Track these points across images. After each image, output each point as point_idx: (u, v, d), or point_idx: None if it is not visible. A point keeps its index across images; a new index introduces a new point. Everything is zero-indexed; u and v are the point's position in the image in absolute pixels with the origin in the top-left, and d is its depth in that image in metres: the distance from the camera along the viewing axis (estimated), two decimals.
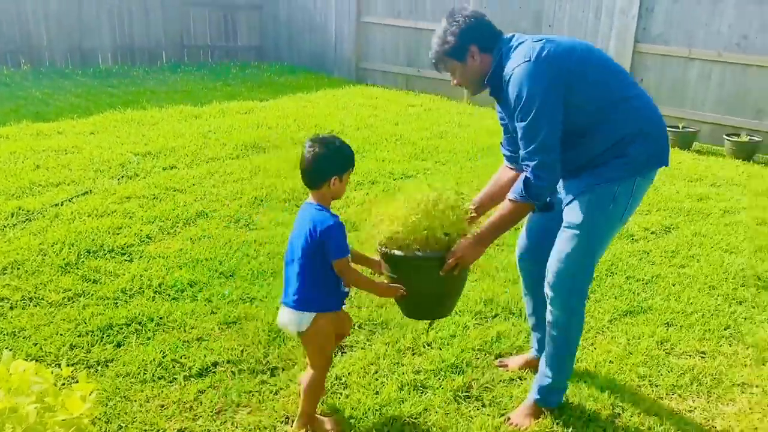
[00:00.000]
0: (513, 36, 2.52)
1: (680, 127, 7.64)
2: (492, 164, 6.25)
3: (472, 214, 2.62)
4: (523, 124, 2.36)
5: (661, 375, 2.98)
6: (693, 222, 5.02)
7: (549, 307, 2.55)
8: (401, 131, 7.41)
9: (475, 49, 2.49)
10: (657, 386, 2.91)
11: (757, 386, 2.92)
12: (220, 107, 7.96)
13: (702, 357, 3.17)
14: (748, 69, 7.23)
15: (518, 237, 2.88)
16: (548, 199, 2.52)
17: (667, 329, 3.39)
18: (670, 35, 7.67)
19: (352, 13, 10.47)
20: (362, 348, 3.13)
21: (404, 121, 8.02)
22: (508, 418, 2.63)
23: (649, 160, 2.45)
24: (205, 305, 3.40)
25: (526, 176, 2.38)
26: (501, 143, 2.81)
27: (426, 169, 6.11)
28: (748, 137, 7.19)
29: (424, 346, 3.15)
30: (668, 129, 7.66)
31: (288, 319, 2.39)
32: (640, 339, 3.27)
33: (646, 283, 3.92)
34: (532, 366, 2.90)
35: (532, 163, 2.36)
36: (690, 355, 3.17)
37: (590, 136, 2.43)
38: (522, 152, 2.40)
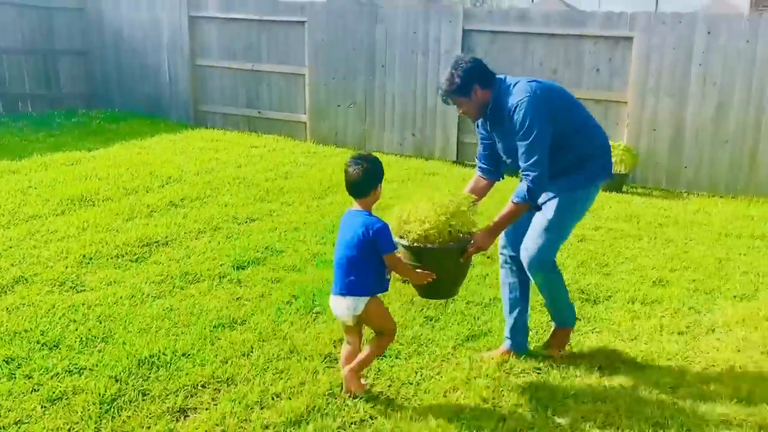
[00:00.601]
0: (505, 77, 3.20)
1: None
2: (339, 202, 6.34)
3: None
4: (525, 143, 3.05)
5: (503, 396, 3.12)
6: None
7: (532, 279, 3.36)
8: (245, 173, 7.27)
9: (477, 87, 3.13)
10: (500, 407, 3.03)
11: (599, 401, 3.12)
12: (42, 160, 7.33)
13: (538, 373, 3.36)
14: None
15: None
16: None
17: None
18: None
19: (185, 56, 10.21)
20: (206, 409, 2.96)
21: (248, 163, 7.90)
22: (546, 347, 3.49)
23: (600, 173, 3.29)
24: (25, 383, 3.05)
25: (527, 184, 3.07)
26: (477, 158, 3.48)
27: (272, 210, 6.02)
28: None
29: (272, 398, 3.04)
30: None
31: (346, 306, 2.95)
32: (482, 362, 3.41)
33: (485, 307, 4.11)
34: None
35: (532, 174, 3.06)
36: (528, 373, 3.35)
37: (562, 153, 3.14)
38: (523, 165, 3.09)
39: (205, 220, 5.62)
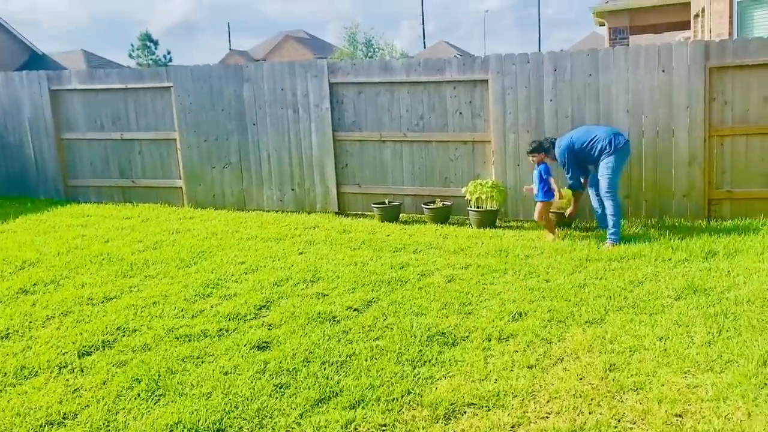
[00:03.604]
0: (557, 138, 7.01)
1: (387, 202, 8.31)
2: (207, 269, 6.13)
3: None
4: (564, 169, 6.95)
5: None
6: (393, 291, 5.36)
7: (606, 203, 6.67)
8: (110, 248, 6.93)
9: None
10: None
11: None
12: None
13: (383, 430, 3.27)
14: (431, 145, 8.18)
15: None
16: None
17: (355, 410, 3.46)
18: (362, 123, 8.40)
19: (50, 131, 9.79)
20: None
21: (116, 236, 7.55)
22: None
23: (619, 147, 6.64)
24: None
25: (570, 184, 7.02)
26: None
27: (132, 286, 5.73)
28: (442, 203, 8.06)
29: None
30: (376, 206, 8.16)
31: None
32: (327, 427, 3.28)
33: (341, 365, 4.01)
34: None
35: (571, 182, 7.01)
36: (374, 431, 3.25)
37: (591, 155, 6.75)
38: (568, 175, 6.97)
39: (57, 304, 5.26)
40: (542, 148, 6.97)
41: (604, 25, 18.04)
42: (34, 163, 10.02)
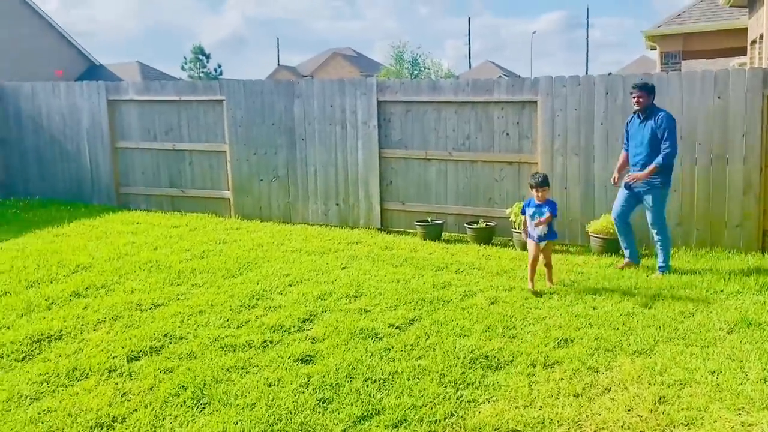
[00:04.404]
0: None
1: (429, 220, 8.30)
2: (252, 280, 6.22)
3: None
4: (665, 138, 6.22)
5: None
6: (435, 311, 5.34)
7: (655, 235, 6.42)
8: (159, 256, 7.10)
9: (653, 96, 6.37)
10: None
11: None
12: None
13: None
14: (476, 165, 8.16)
15: (612, 211, 6.69)
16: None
17: (397, 429, 3.45)
18: (408, 140, 8.45)
19: (106, 139, 10.12)
20: None
21: (164, 244, 7.73)
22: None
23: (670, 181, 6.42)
24: None
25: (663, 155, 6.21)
26: (625, 143, 6.68)
27: (180, 294, 5.85)
28: (485, 223, 8.01)
29: None
30: (418, 224, 8.16)
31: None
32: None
33: (384, 383, 4.00)
34: (629, 266, 6.61)
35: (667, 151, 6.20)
36: None
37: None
38: (665, 146, 6.19)
39: (107, 309, 5.41)
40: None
41: (655, 48, 17.76)
42: (89, 170, 10.36)
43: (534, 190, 6.00)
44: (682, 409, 3.59)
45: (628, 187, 6.48)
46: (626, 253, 6.68)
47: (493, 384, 3.98)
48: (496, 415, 3.56)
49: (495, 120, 7.99)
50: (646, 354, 4.38)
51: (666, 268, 6.39)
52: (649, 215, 6.44)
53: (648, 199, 6.38)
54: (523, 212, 6.19)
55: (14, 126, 10.76)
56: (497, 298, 5.68)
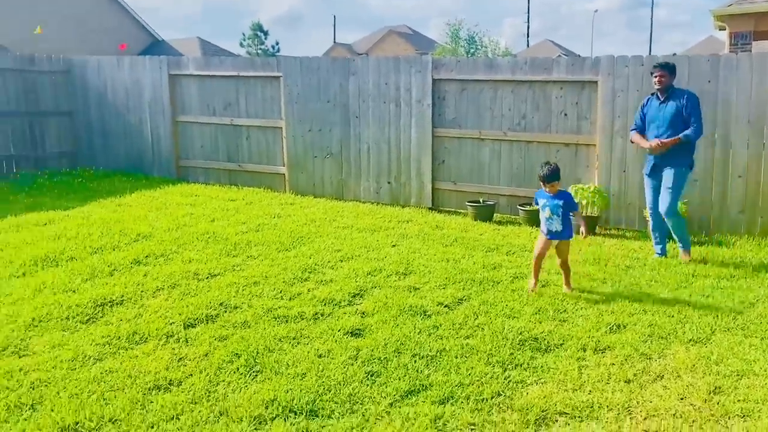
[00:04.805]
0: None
1: (481, 201, 8.24)
2: (305, 254, 6.33)
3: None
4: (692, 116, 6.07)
5: None
6: (484, 291, 5.33)
7: (668, 222, 6.13)
8: (216, 228, 7.29)
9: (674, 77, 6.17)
10: None
11: None
12: (15, 221, 7.41)
13: (472, 429, 3.26)
14: (531, 145, 8.03)
15: (647, 204, 6.43)
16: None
17: (444, 405, 3.48)
18: (462, 120, 8.37)
19: (167, 113, 10.40)
20: None
21: (221, 217, 7.93)
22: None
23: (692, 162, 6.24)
24: None
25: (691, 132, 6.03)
26: (636, 124, 6.50)
27: (235, 265, 6.01)
28: None
29: None
30: (470, 204, 8.12)
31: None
32: (416, 419, 3.32)
33: (431, 359, 4.03)
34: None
35: (695, 126, 6.05)
36: (460, 429, 3.26)
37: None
38: (693, 124, 6.05)
39: (166, 277, 5.60)
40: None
41: (724, 29, 16.96)
42: (150, 143, 10.68)
43: (542, 183, 5.30)
44: (739, 400, 3.49)
45: (651, 175, 6.29)
46: (657, 249, 6.42)
47: (541, 366, 3.96)
48: (544, 397, 3.55)
49: (553, 100, 7.83)
50: (701, 343, 4.27)
51: (688, 245, 6.25)
52: (666, 197, 6.08)
53: (669, 175, 6.05)
54: (536, 202, 5.53)
55: (81, 99, 11.17)
56: (548, 281, 5.61)
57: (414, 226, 7.74)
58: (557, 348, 4.23)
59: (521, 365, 3.97)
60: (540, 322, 4.64)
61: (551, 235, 5.33)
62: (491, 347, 4.19)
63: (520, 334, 4.41)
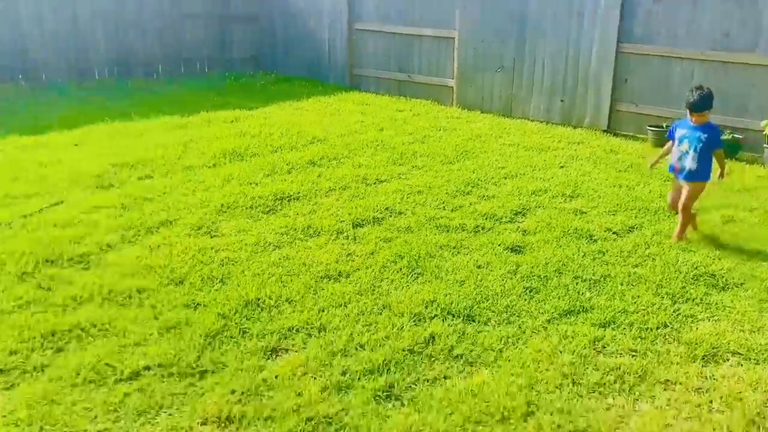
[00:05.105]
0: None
1: (664, 126, 7.60)
2: (468, 168, 6.33)
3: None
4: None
5: (586, 374, 3.01)
6: (658, 221, 5.02)
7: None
8: (384, 137, 7.48)
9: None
10: (579, 384, 2.93)
11: (680, 383, 2.93)
12: (207, 117, 8.12)
13: (633, 355, 3.18)
14: (729, 66, 7.18)
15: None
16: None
17: (604, 329, 3.40)
18: (653, 35, 7.64)
19: (343, 21, 10.60)
20: (296, 351, 3.20)
21: (390, 126, 8.10)
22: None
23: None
24: (150, 311, 3.50)
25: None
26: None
27: (401, 173, 6.17)
28: (732, 134, 7.13)
29: (356, 348, 3.21)
30: (651, 128, 7.55)
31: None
32: (574, 338, 3.29)
33: (594, 283, 3.93)
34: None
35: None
36: (620, 354, 3.18)
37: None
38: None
39: (337, 179, 5.90)
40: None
41: None
42: (327, 50, 11.02)
43: (689, 111, 4.53)
44: None
45: None
46: None
47: (716, 303, 3.70)
48: (716, 335, 3.34)
49: (765, 16, 6.85)
50: None
51: None
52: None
53: None
54: (671, 135, 4.76)
55: (265, 5, 11.71)
56: (734, 217, 5.14)
57: (585, 148, 7.38)
58: (737, 287, 3.92)
59: (693, 299, 3.74)
60: (719, 259, 4.31)
61: (682, 174, 4.59)
62: (661, 278, 3.98)
63: (695, 268, 4.13)
